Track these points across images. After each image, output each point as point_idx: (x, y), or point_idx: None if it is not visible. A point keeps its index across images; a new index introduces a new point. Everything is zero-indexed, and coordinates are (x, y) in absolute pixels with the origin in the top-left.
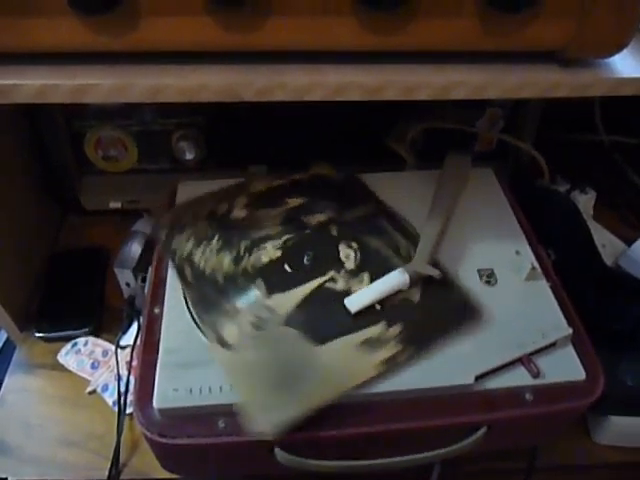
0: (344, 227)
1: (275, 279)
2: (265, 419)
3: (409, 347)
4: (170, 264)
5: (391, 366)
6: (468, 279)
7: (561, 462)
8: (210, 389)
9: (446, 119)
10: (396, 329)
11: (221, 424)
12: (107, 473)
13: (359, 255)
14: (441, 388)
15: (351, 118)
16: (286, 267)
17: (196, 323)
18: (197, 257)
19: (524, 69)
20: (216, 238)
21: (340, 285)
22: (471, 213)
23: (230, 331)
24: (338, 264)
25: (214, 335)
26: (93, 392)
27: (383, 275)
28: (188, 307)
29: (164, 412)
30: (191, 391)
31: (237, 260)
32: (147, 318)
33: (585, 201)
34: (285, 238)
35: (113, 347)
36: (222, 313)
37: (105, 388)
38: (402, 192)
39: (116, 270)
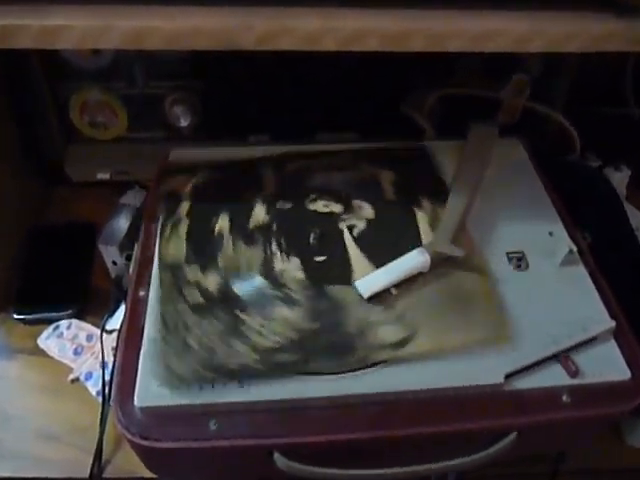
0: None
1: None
2: None
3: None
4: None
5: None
6: (496, 263)
7: (590, 466)
8: (200, 385)
9: (467, 87)
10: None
11: (213, 425)
12: (89, 470)
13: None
14: (465, 388)
15: (363, 83)
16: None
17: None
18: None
19: (574, 17)
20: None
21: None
22: (498, 189)
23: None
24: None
25: None
26: (76, 380)
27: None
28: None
29: (147, 411)
30: (178, 387)
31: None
32: (131, 301)
33: (619, 179)
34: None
35: (98, 331)
36: None
37: (89, 376)
38: None
39: (100, 246)
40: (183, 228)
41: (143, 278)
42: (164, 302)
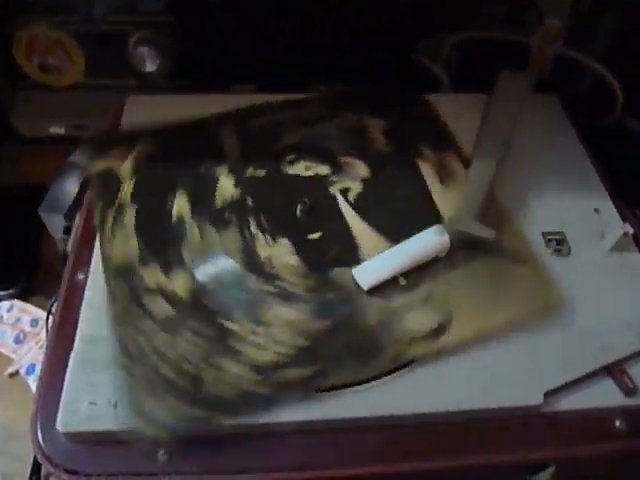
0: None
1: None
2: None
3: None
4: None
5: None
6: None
7: None
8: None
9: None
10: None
11: (162, 456)
12: None
13: None
14: (494, 410)
15: (368, 25)
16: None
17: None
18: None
19: None
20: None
21: None
22: (532, 154)
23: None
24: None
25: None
26: (15, 374)
27: None
28: None
29: (74, 437)
30: (117, 406)
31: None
32: (66, 287)
33: None
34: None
35: (44, 315)
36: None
37: (31, 369)
38: None
39: (42, 215)
40: (130, 218)
41: (83, 257)
42: (120, 322)
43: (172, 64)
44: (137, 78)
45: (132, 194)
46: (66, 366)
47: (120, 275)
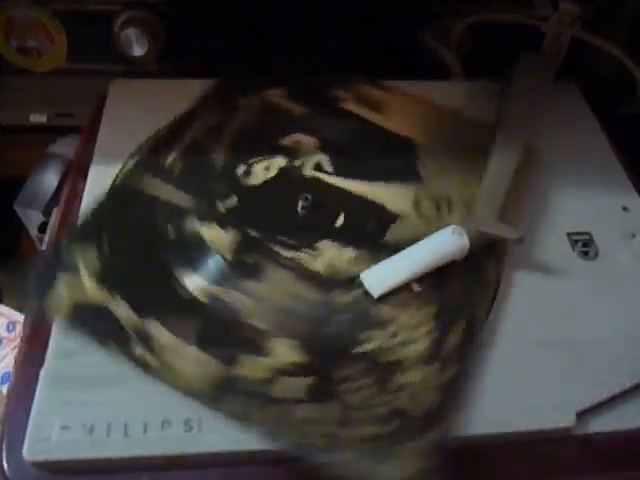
0: None
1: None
2: None
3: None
4: None
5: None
6: (554, 248)
7: None
8: (126, 427)
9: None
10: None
11: None
12: None
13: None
14: (521, 434)
15: (373, 8)
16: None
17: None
18: None
19: None
20: None
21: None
22: (554, 148)
23: None
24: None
25: None
26: None
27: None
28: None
29: (44, 466)
30: (92, 430)
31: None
32: None
33: None
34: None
35: (22, 318)
36: None
37: (6, 378)
38: None
39: (18, 210)
40: None
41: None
42: None
43: (162, 47)
44: (124, 62)
45: None
46: (36, 384)
47: None
